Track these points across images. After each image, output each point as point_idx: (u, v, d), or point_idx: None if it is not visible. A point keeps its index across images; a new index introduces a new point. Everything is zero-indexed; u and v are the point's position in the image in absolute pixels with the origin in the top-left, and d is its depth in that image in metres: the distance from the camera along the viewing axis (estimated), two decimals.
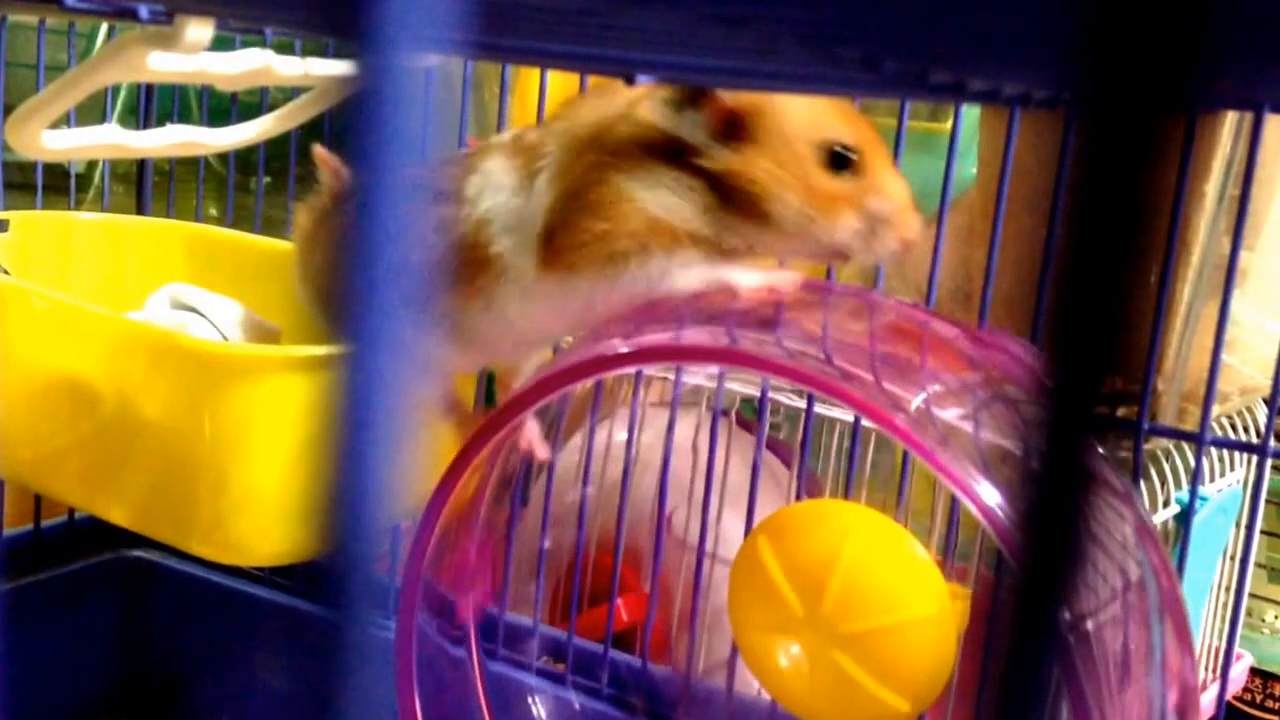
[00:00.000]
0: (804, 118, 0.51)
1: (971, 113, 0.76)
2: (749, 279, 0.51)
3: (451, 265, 0.55)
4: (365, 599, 0.13)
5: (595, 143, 0.53)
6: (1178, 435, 0.61)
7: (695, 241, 0.52)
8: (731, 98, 0.51)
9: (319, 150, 0.67)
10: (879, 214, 0.51)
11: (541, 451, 0.58)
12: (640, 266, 0.52)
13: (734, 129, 0.51)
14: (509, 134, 0.58)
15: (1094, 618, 0.44)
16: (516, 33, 0.36)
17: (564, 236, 0.53)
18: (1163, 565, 0.48)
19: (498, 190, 0.55)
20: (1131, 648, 0.46)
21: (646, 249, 0.51)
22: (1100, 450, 0.49)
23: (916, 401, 0.45)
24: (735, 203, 0.51)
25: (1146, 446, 0.58)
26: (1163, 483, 0.79)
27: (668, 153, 0.51)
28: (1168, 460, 0.80)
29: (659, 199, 0.51)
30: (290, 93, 0.68)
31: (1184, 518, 0.62)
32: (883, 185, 0.51)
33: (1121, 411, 0.58)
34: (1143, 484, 0.73)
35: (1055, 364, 0.13)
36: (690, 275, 0.52)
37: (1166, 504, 0.78)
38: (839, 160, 0.50)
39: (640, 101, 0.53)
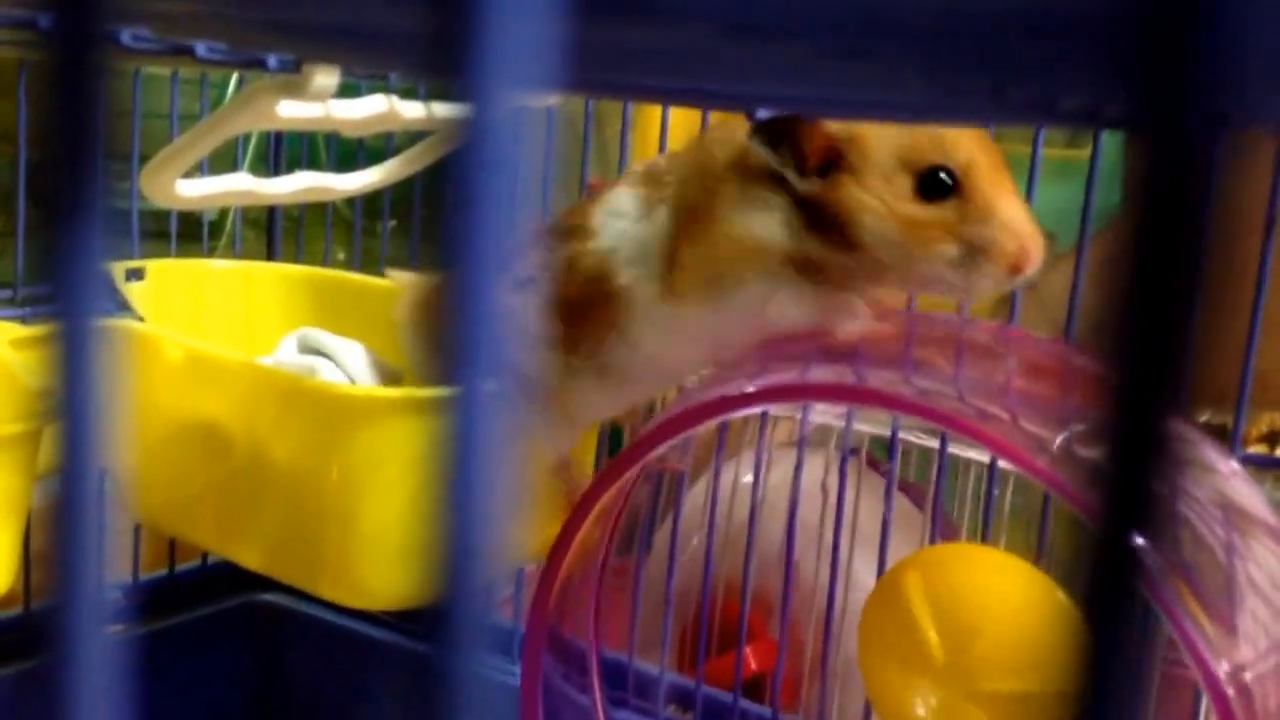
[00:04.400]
0: (898, 144, 0.48)
1: (1114, 136, 0.74)
2: (851, 324, 0.50)
3: (582, 301, 0.55)
4: (471, 639, 0.13)
5: (703, 168, 0.53)
6: (1269, 463, 0.59)
7: (797, 265, 0.50)
8: (827, 126, 0.49)
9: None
10: (979, 242, 0.47)
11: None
12: (739, 291, 0.51)
13: (831, 158, 0.49)
14: (641, 165, 0.58)
15: (1253, 668, 0.42)
16: (629, 69, 0.35)
17: (674, 262, 0.53)
18: None
19: (621, 219, 0.55)
20: None
21: (742, 273, 0.51)
22: (1258, 488, 0.46)
23: (1059, 440, 0.43)
24: (829, 231, 0.49)
25: None
26: None
27: (768, 176, 0.50)
28: None
29: (752, 221, 0.50)
30: (415, 136, 0.68)
31: None
32: (988, 211, 0.47)
33: None
34: None
35: (1115, 394, 0.12)
36: (796, 307, 0.50)
37: None
38: (935, 186, 0.47)
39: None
